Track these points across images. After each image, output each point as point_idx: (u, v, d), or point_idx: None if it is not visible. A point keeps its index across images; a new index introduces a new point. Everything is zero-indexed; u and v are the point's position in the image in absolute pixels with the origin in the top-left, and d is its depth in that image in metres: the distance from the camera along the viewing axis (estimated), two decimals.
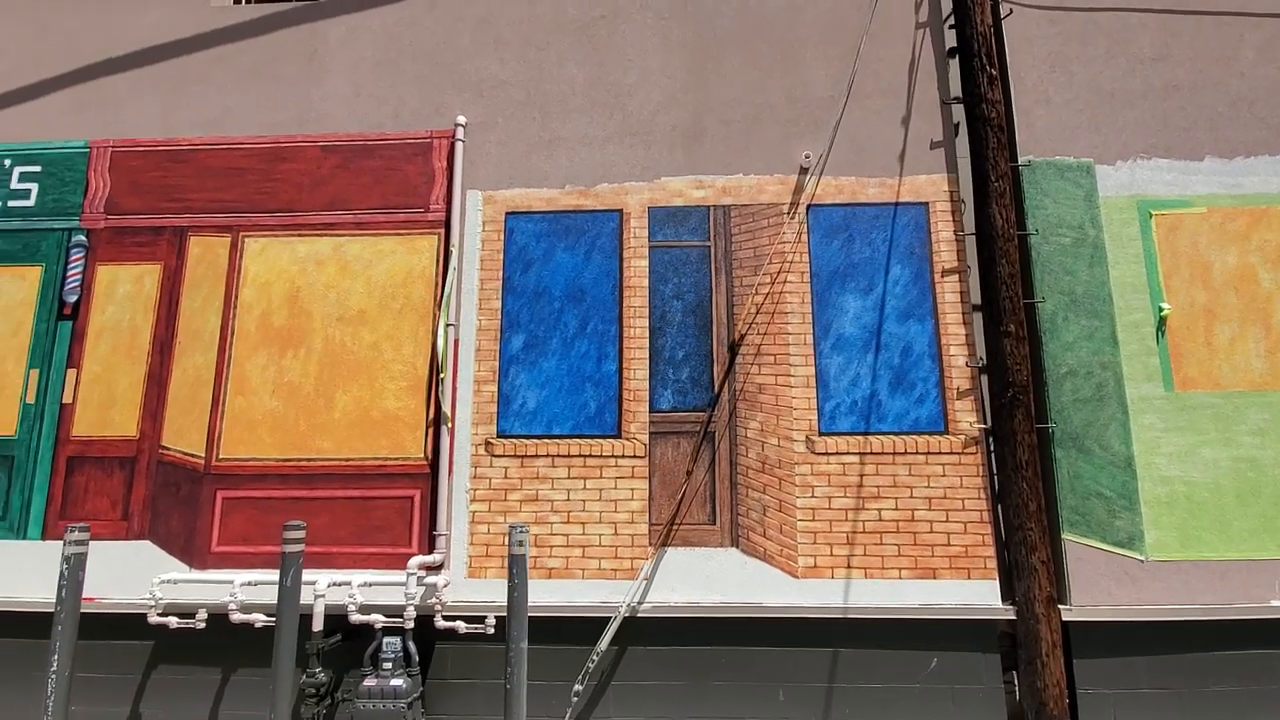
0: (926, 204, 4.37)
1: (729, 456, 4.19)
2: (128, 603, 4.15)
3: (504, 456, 4.26)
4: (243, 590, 4.01)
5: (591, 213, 4.51)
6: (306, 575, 4.04)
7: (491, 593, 4.07)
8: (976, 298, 4.28)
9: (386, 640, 3.89)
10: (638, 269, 4.42)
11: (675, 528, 4.12)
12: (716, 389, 4.25)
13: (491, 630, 3.91)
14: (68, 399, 4.49)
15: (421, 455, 4.28)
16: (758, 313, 4.31)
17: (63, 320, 4.59)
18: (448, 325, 4.34)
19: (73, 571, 3.66)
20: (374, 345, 4.42)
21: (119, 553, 4.27)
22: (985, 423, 4.16)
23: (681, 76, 4.65)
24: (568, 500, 4.19)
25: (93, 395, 4.48)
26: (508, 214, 4.54)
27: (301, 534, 3.63)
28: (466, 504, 4.21)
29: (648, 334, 4.34)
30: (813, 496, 4.09)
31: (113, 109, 4.86)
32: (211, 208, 4.67)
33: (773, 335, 4.28)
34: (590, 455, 4.22)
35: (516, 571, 3.51)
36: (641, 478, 4.19)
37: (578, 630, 3.99)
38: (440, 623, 3.93)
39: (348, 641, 4.02)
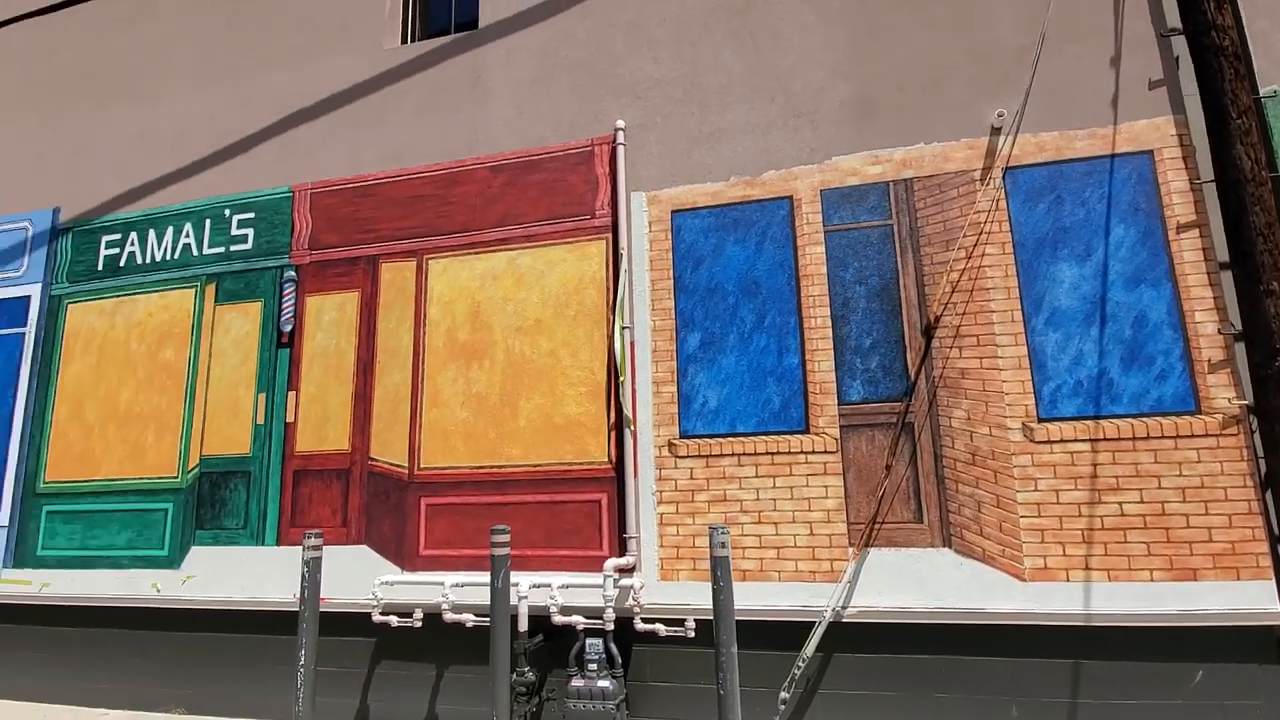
0: (1150, 152, 3.82)
1: (932, 449, 3.87)
2: (351, 602, 4.50)
3: (688, 457, 4.20)
4: (453, 591, 4.23)
5: (759, 202, 4.36)
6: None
7: (686, 595, 4.02)
8: (1222, 254, 3.67)
9: (589, 641, 3.94)
10: (814, 256, 4.21)
11: (877, 527, 3.85)
12: (912, 377, 3.95)
13: (692, 634, 3.84)
14: (290, 418, 4.97)
15: (605, 459, 4.32)
16: (954, 291, 3.96)
17: (281, 348, 5.10)
18: (623, 328, 4.36)
19: (312, 573, 4.00)
20: (552, 353, 4.53)
21: (341, 557, 4.65)
22: (1246, 398, 3.55)
23: (845, 50, 4.40)
24: (757, 500, 4.05)
25: (310, 414, 4.94)
26: (673, 212, 4.50)
27: (507, 538, 3.76)
28: (654, 506, 4.19)
29: (830, 323, 4.12)
30: (1036, 490, 3.67)
31: (309, 154, 5.36)
32: (398, 235, 5.01)
33: (973, 315, 3.92)
34: (778, 452, 4.06)
35: (721, 574, 3.41)
36: (835, 474, 3.97)
37: (777, 634, 3.83)
38: (640, 625, 3.92)
39: (547, 642, 4.12)
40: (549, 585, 4.09)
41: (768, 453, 4.08)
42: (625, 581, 4.03)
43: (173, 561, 5.00)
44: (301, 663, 3.90)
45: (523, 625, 4.03)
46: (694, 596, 4.00)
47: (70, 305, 5.71)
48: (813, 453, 4.01)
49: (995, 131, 4.03)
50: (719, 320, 4.29)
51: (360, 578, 4.55)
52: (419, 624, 4.25)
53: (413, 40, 5.56)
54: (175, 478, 5.12)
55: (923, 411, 3.92)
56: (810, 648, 3.74)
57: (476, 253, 4.81)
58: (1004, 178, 3.98)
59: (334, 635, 4.52)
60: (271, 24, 5.71)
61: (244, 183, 5.49)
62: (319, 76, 5.47)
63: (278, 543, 4.82)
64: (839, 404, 4.02)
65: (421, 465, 4.64)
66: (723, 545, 3.44)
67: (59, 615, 5.18)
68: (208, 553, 4.94)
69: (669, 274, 4.44)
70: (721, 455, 4.14)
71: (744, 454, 4.11)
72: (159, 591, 4.96)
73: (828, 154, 4.31)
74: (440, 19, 5.73)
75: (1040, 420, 3.72)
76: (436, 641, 4.33)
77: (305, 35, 5.60)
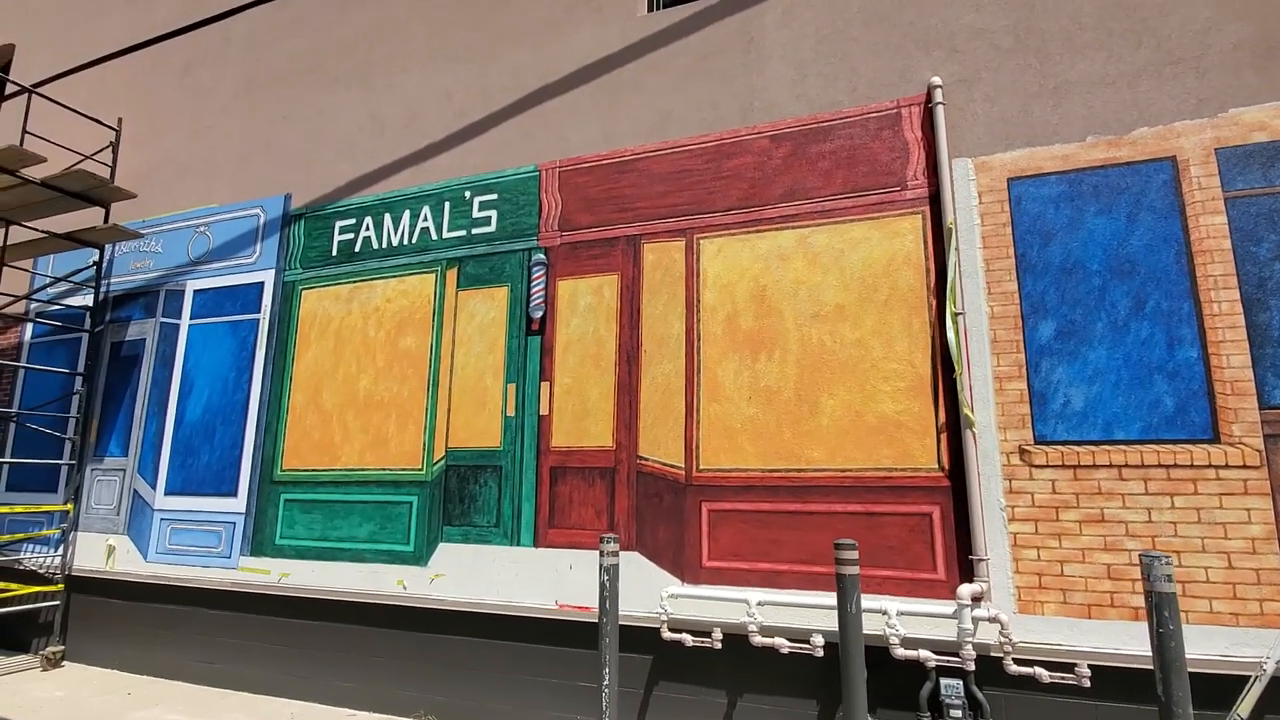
0: None
1: None
2: (624, 615, 4.05)
3: (1048, 467, 3.52)
4: (759, 610, 3.71)
5: (1129, 165, 3.65)
6: (812, 598, 3.64)
7: (1055, 633, 3.34)
8: None
9: (946, 683, 3.32)
10: (1212, 228, 3.46)
11: None
12: None
13: (1087, 683, 3.15)
14: (544, 411, 4.62)
15: (935, 465, 3.70)
16: None
17: (531, 335, 4.77)
18: (956, 315, 3.73)
19: (612, 581, 3.58)
20: (859, 343, 3.96)
21: None
22: None
23: None
24: (1148, 522, 3.32)
25: (566, 406, 4.57)
26: (1009, 180, 3.85)
27: (855, 554, 3.19)
28: (1004, 524, 3.53)
29: (1240, 309, 3.35)
30: None
31: (556, 131, 5.04)
32: (661, 213, 4.59)
33: None
34: (1175, 465, 3.32)
35: (1169, 615, 2.71)
36: (1260, 494, 3.19)
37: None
38: (1012, 667, 3.26)
39: (870, 678, 3.53)
40: (883, 612, 3.50)
41: (1160, 465, 3.34)
42: (978, 613, 3.39)
43: (419, 558, 4.73)
44: (605, 683, 3.47)
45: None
46: (1066, 635, 3.32)
47: (304, 291, 5.63)
48: (1226, 467, 3.25)
49: None
50: (1080, 306, 3.60)
51: (631, 588, 4.10)
52: (718, 645, 3.75)
53: (657, 9, 5.16)
54: (420, 469, 4.87)
55: None
56: (1245, 708, 2.98)
57: (758, 231, 4.31)
58: None
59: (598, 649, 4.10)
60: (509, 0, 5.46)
61: (484, 163, 5.23)
62: (563, 50, 5.16)
63: (535, 544, 4.46)
64: (1260, 408, 3.24)
65: (701, 466, 4.16)
66: (1167, 579, 2.74)
67: (298, 607, 5.03)
68: (457, 550, 4.65)
69: (1008, 252, 3.78)
70: (1095, 466, 3.44)
71: (1127, 466, 3.39)
72: (405, 588, 4.71)
73: (1221, 106, 3.55)
74: None
75: None
76: (730, 665, 3.83)
77: (546, 8, 5.31)
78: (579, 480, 4.45)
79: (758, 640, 3.65)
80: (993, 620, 3.35)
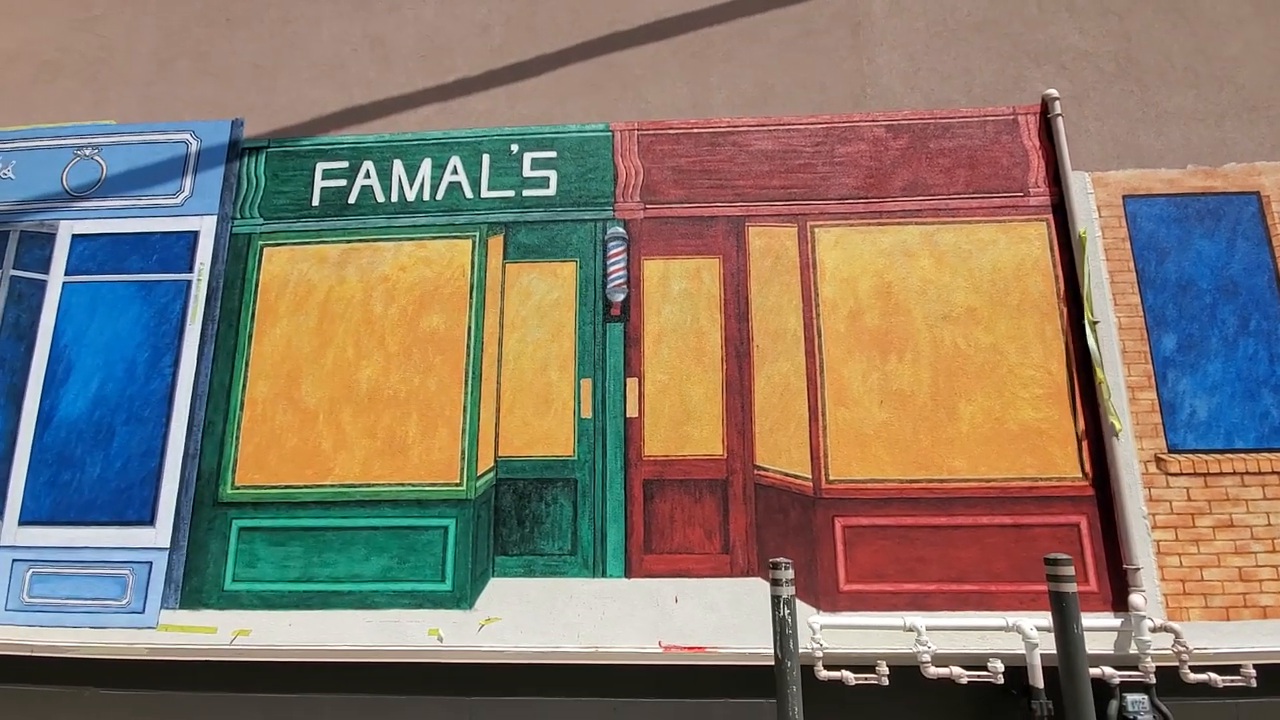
0: None
1: None
2: (749, 652, 3.48)
3: (1182, 475, 3.63)
4: (930, 636, 3.35)
5: (1223, 195, 3.95)
6: (981, 619, 3.41)
7: (1202, 637, 3.40)
8: None
9: (1131, 698, 3.21)
10: None
11: None
12: None
13: (1254, 683, 3.23)
14: (632, 413, 3.88)
15: (1078, 474, 3.65)
16: None
17: (611, 322, 4.00)
18: (1093, 323, 3.75)
19: (791, 616, 2.99)
20: (993, 347, 3.83)
21: (724, 592, 3.62)
22: None
23: None
24: (1268, 525, 3.55)
25: (662, 408, 3.87)
26: (1124, 197, 3.99)
27: (1071, 570, 2.98)
28: (1147, 532, 3.57)
29: None
30: None
31: (631, 89, 4.35)
32: (767, 195, 4.12)
33: None
34: None
35: None
36: None
37: None
38: (1190, 676, 3.25)
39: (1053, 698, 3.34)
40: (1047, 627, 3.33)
41: (1274, 472, 3.60)
42: (1151, 623, 3.36)
43: (460, 599, 3.69)
44: None
45: (1037, 680, 3.24)
46: (1211, 639, 3.40)
47: (267, 248, 4.24)
48: None
49: None
50: (1196, 321, 3.80)
51: (753, 620, 3.54)
52: (885, 680, 3.32)
53: None
54: (458, 484, 3.83)
55: None
56: None
57: (879, 224, 4.03)
58: None
59: (727, 695, 3.48)
60: None
61: (537, 114, 4.36)
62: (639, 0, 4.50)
63: (626, 574, 3.68)
64: None
65: (831, 477, 3.73)
66: None
67: (268, 676, 3.67)
68: (516, 587, 3.70)
69: (1128, 265, 3.90)
70: (1222, 474, 3.61)
71: (1247, 473, 3.60)
72: (441, 640, 3.63)
73: None
74: None
75: None
76: (900, 702, 3.40)
77: None
78: (682, 495, 3.77)
79: (932, 672, 3.29)
80: (1165, 630, 3.33)
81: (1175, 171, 4.00)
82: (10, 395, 4.12)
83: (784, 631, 2.97)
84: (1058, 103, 4.08)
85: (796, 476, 3.75)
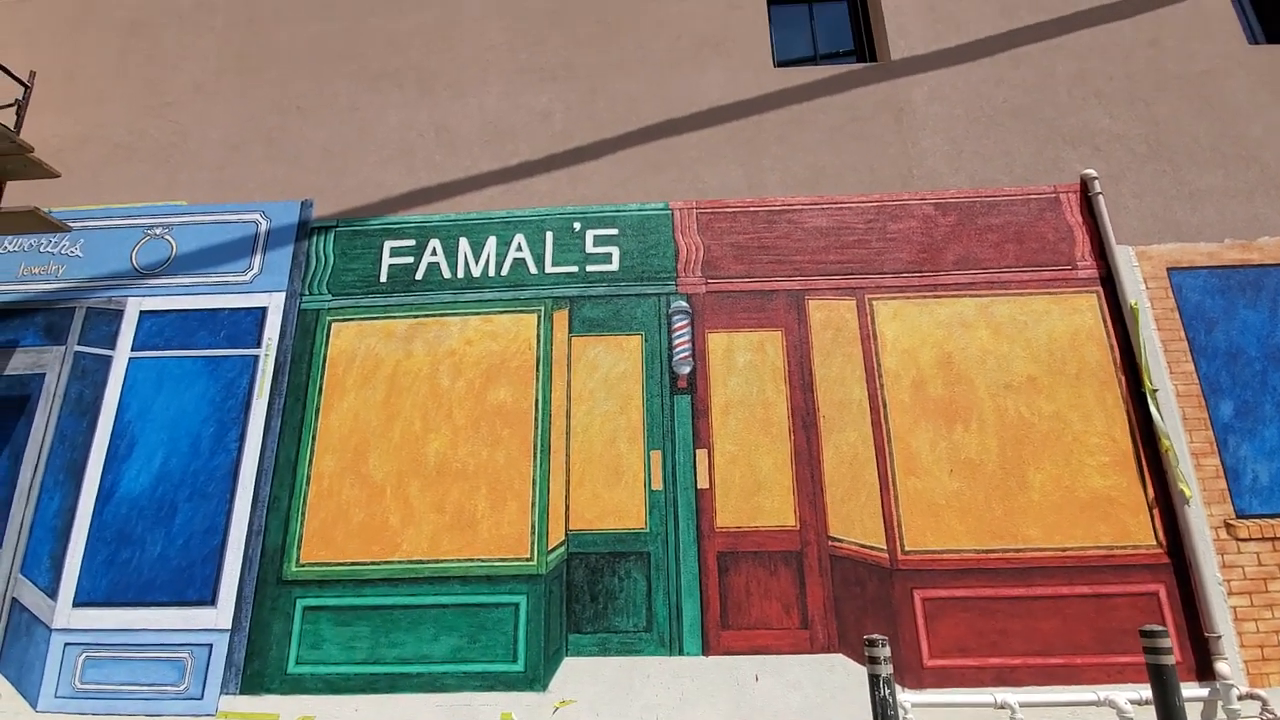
0: None
1: None
2: None
3: (1251, 540, 3.65)
4: (1024, 714, 3.28)
5: (1260, 267, 4.14)
6: (1071, 693, 3.35)
7: None
8: None
9: None
10: None
11: None
12: None
13: None
14: (703, 484, 3.89)
15: (1154, 542, 3.67)
16: None
17: (678, 394, 4.06)
18: (1153, 391, 3.85)
19: (892, 696, 2.94)
20: (1056, 415, 3.90)
21: (806, 670, 3.54)
22: None
23: None
24: None
25: (733, 478, 3.89)
26: (1169, 269, 4.16)
27: (1169, 641, 2.96)
28: (1224, 598, 3.56)
29: None
30: None
31: (688, 171, 4.56)
32: (824, 270, 4.27)
33: None
34: None
35: None
36: None
37: None
38: None
39: None
40: (1144, 702, 3.27)
41: None
42: (1239, 691, 3.32)
43: (534, 680, 3.59)
44: None
45: None
46: None
47: (335, 323, 4.32)
48: None
49: None
50: (1249, 388, 3.91)
51: (841, 696, 3.46)
52: None
53: (775, 64, 5.03)
54: (529, 559, 3.79)
55: None
56: None
57: (935, 296, 4.18)
58: None
59: None
60: (624, 27, 4.98)
61: (598, 194, 4.54)
62: (692, 89, 4.77)
63: (704, 651, 3.61)
64: None
65: (906, 547, 3.72)
66: None
67: None
68: (591, 666, 3.61)
69: (1179, 335, 4.03)
70: None
71: None
72: None
73: None
74: (793, 46, 5.26)
75: None
76: None
77: (666, 47, 4.92)
78: (757, 568, 3.74)
79: None
80: (1252, 697, 3.29)
81: (1214, 245, 4.19)
82: (70, 471, 4.09)
83: (885, 713, 2.91)
84: (1097, 181, 4.31)
85: (872, 548, 3.74)
